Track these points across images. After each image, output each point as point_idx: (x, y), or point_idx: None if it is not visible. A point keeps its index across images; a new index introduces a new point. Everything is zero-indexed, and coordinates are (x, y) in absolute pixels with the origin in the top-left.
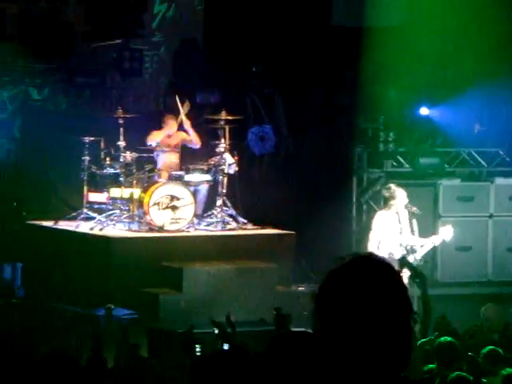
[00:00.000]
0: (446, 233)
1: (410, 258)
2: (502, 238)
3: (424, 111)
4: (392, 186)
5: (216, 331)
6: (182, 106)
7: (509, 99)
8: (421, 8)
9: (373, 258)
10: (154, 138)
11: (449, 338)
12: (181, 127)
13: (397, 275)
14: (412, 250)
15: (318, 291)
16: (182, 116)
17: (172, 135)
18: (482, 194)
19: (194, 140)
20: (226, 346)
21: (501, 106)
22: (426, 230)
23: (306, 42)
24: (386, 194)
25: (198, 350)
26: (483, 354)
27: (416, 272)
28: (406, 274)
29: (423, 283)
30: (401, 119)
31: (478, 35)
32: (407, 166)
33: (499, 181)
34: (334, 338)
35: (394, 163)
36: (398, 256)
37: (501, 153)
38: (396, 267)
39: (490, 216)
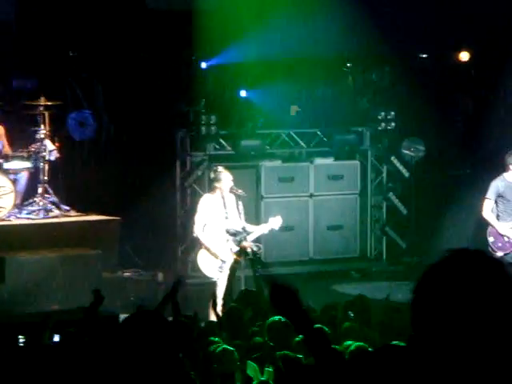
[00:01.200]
0: (275, 222)
1: (248, 242)
2: (322, 217)
3: (243, 93)
4: (219, 168)
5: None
6: None
7: (324, 81)
8: None
9: (477, 253)
10: None
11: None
12: None
13: (507, 273)
14: (240, 233)
15: (417, 292)
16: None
17: None
18: (301, 174)
19: (6, 146)
20: (56, 337)
21: (317, 87)
22: (249, 211)
23: (123, 25)
24: (211, 176)
25: (21, 340)
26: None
27: (256, 257)
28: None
29: (257, 266)
30: (222, 102)
31: (302, 22)
32: (229, 148)
33: (318, 161)
34: (440, 345)
35: (217, 146)
36: (230, 238)
37: (318, 133)
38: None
39: (311, 196)
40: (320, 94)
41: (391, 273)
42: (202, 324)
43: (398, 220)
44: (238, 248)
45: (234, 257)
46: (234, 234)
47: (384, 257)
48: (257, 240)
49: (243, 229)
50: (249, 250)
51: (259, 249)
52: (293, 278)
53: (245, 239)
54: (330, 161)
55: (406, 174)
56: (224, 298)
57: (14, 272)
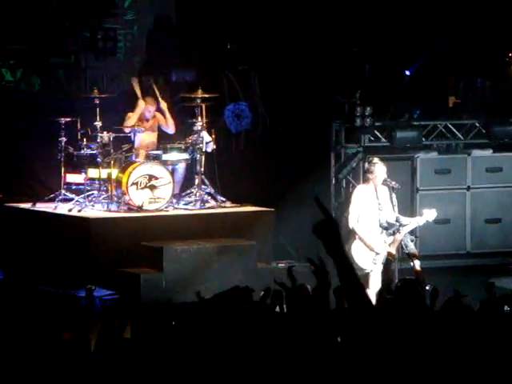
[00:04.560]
0: (429, 214)
1: (401, 234)
2: (480, 210)
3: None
4: (373, 159)
5: None
6: (157, 89)
7: (483, 70)
8: None
9: None
10: (130, 122)
11: None
12: (157, 108)
13: None
14: (393, 226)
15: None
16: (159, 99)
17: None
18: (459, 166)
19: (170, 124)
20: None
21: (476, 77)
22: (404, 203)
23: (281, 17)
24: (365, 167)
25: None
26: None
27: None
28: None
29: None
30: (377, 93)
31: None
32: (384, 140)
33: (476, 153)
34: None
35: (372, 138)
36: (384, 230)
37: (477, 125)
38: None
39: (468, 188)
40: (479, 84)
41: None
42: None
43: None
44: (391, 240)
45: (388, 249)
46: (386, 228)
47: None
48: (412, 232)
49: (397, 221)
50: (403, 242)
51: (413, 241)
52: (449, 271)
53: (398, 231)
54: (488, 153)
55: None
56: (381, 291)
57: (172, 261)
